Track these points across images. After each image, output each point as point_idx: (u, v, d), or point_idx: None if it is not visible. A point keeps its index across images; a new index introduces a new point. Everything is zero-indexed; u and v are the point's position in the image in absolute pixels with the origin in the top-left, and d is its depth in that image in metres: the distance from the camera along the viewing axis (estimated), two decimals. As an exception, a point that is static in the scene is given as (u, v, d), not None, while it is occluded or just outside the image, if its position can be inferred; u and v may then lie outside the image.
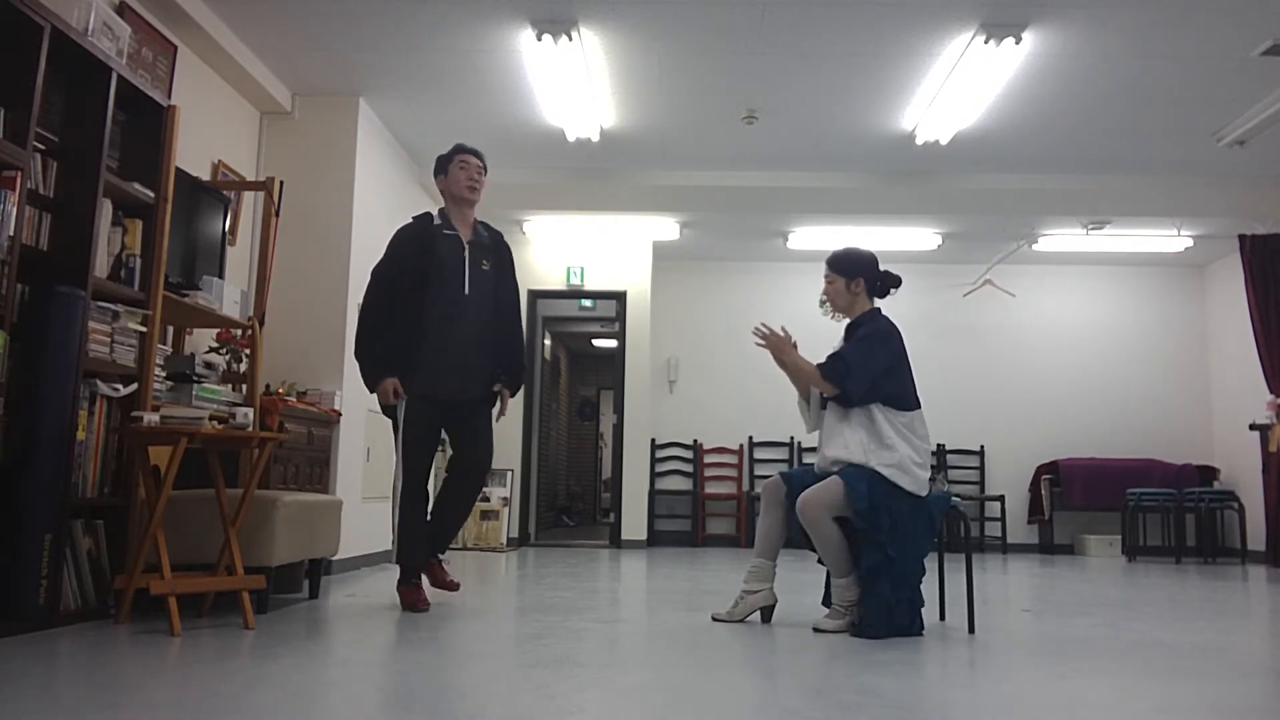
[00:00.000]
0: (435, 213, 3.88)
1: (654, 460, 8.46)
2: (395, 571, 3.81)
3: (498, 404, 3.88)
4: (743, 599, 3.43)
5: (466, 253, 3.78)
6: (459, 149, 3.91)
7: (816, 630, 3.27)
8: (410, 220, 3.88)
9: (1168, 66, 4.97)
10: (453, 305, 3.70)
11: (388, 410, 3.74)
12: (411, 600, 3.65)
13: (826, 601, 3.55)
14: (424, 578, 3.77)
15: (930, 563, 3.37)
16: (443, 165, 3.90)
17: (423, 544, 3.72)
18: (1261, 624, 3.94)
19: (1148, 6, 4.36)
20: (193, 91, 4.56)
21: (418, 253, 3.72)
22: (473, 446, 3.80)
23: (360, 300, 3.80)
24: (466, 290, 3.73)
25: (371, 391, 3.74)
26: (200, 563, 3.36)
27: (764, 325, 3.52)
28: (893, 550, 3.17)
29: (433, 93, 5.43)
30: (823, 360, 3.44)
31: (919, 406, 3.42)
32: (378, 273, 3.79)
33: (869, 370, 3.35)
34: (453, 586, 3.77)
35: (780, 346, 3.50)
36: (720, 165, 6.56)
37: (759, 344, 3.52)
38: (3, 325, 2.79)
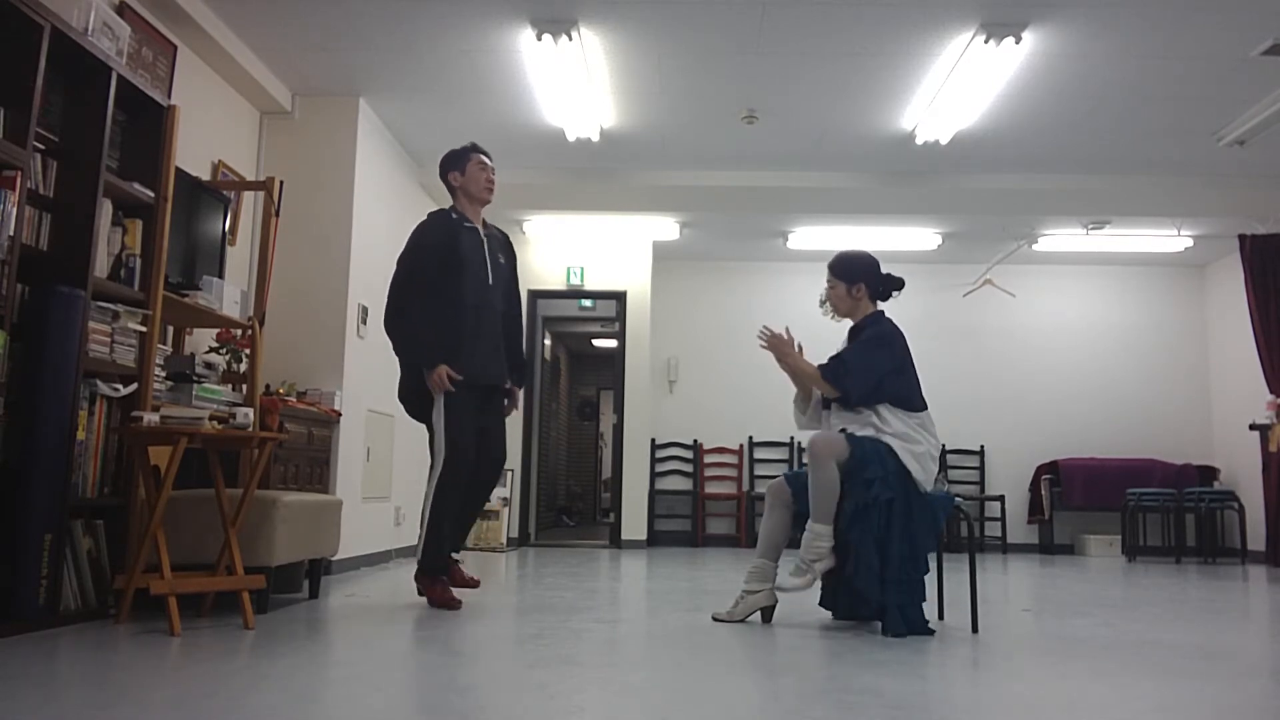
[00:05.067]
0: (450, 209, 3.91)
1: (654, 460, 8.46)
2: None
3: (506, 400, 3.97)
4: (743, 599, 3.43)
5: (486, 245, 3.87)
6: (475, 148, 3.95)
7: (778, 589, 3.35)
8: (428, 217, 3.91)
9: (1168, 66, 4.96)
10: (480, 295, 3.79)
11: (418, 411, 3.76)
12: (443, 599, 3.65)
13: (824, 603, 3.55)
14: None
15: (930, 562, 3.38)
16: (459, 161, 3.91)
17: (450, 542, 3.73)
18: (1261, 624, 3.94)
19: (1148, 6, 4.36)
20: (193, 91, 4.56)
21: (447, 245, 3.76)
22: (490, 444, 3.85)
23: (387, 295, 3.82)
24: (490, 281, 3.83)
25: (400, 392, 3.74)
26: (200, 563, 3.36)
27: (768, 328, 3.56)
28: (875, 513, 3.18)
29: (433, 93, 5.43)
30: (824, 362, 3.45)
31: (926, 408, 3.43)
32: (405, 262, 3.80)
33: (870, 373, 3.36)
34: (473, 583, 3.82)
35: (782, 349, 3.54)
36: (720, 165, 6.56)
37: (762, 346, 3.56)
38: (3, 325, 2.79)
